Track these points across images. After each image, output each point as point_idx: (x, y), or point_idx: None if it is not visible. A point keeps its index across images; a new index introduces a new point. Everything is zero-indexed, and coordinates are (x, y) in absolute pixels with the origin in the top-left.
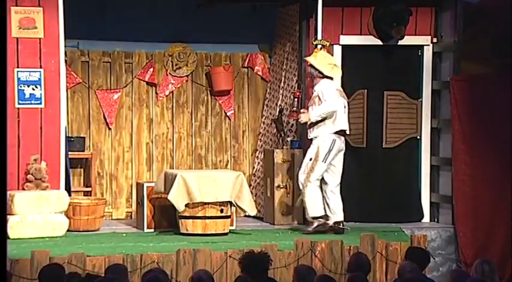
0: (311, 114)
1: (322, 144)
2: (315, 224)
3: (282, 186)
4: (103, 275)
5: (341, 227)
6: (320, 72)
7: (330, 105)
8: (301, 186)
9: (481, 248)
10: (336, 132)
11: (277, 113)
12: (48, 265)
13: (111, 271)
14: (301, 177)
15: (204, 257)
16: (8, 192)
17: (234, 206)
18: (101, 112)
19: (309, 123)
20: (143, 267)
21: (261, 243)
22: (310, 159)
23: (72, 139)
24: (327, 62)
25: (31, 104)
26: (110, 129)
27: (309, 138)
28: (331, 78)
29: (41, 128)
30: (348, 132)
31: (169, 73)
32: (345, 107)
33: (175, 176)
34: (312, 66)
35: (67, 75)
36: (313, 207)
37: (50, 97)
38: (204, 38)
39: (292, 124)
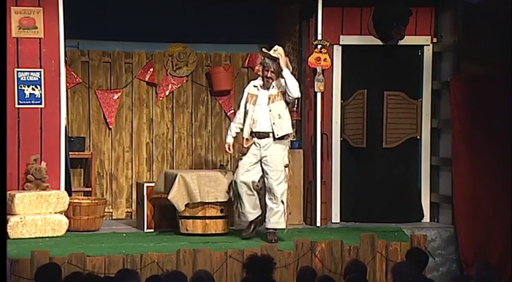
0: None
1: (287, 147)
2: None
3: None
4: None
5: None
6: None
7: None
8: (280, 198)
9: (481, 248)
10: None
11: None
12: (44, 264)
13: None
14: (282, 187)
15: (204, 257)
16: (8, 192)
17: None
18: (101, 112)
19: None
20: (143, 267)
21: (261, 243)
22: (286, 166)
23: (72, 139)
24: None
25: (31, 104)
26: (110, 129)
27: (277, 134)
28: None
29: (41, 128)
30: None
31: (170, 73)
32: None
33: (176, 176)
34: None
35: (67, 75)
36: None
37: (50, 97)
38: (204, 38)
39: (292, 124)
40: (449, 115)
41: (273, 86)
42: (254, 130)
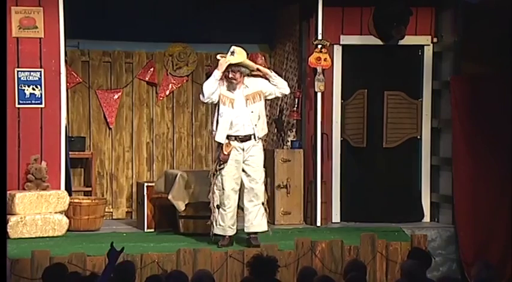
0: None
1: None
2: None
3: (282, 186)
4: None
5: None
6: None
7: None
8: (262, 199)
9: (481, 248)
10: None
11: (277, 113)
12: (51, 265)
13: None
14: (263, 188)
15: (204, 257)
16: (8, 192)
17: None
18: (101, 112)
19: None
20: (143, 267)
21: (261, 243)
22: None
23: (72, 139)
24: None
25: (31, 104)
26: (110, 129)
27: (258, 136)
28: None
29: (41, 128)
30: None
31: (170, 73)
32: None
33: (176, 176)
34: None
35: (67, 75)
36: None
37: (50, 97)
38: (204, 38)
39: (293, 124)
40: (449, 115)
41: (246, 86)
42: (234, 134)
